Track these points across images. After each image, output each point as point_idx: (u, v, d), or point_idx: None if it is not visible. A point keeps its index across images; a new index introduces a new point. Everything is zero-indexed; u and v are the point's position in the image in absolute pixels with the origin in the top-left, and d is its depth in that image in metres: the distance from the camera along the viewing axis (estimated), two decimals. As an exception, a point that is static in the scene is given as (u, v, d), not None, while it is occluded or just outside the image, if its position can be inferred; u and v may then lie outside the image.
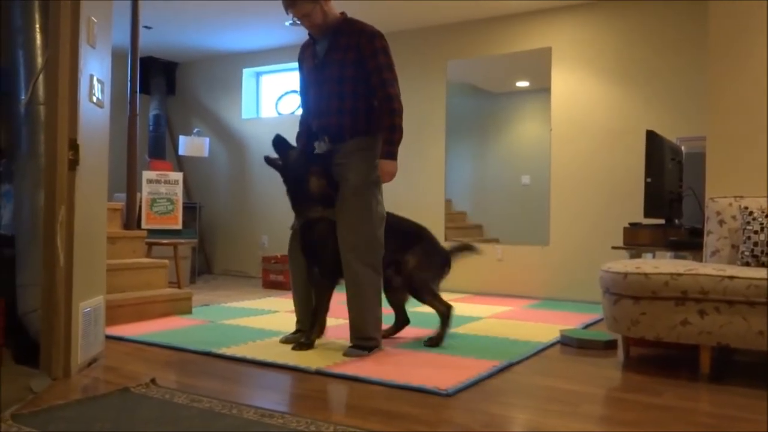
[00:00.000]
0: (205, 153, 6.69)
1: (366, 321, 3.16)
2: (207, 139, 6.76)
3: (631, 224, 3.84)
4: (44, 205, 2.66)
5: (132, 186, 4.71)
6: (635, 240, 3.73)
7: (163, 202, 5.63)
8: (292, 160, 3.27)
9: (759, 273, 2.70)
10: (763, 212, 3.07)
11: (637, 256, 3.75)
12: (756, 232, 3.05)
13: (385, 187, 3.30)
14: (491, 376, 2.78)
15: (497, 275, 5.79)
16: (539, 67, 5.70)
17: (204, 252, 7.41)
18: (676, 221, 3.90)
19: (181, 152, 6.68)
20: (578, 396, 2.52)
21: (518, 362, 3.05)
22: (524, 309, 4.88)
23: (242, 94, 7.37)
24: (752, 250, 3.04)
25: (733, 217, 3.26)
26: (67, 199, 2.61)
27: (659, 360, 3.22)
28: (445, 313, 3.42)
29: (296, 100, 6.92)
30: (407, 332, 3.65)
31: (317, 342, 3.29)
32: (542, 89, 5.70)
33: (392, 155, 3.13)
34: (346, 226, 3.15)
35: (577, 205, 5.49)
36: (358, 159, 3.16)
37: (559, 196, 5.57)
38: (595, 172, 5.42)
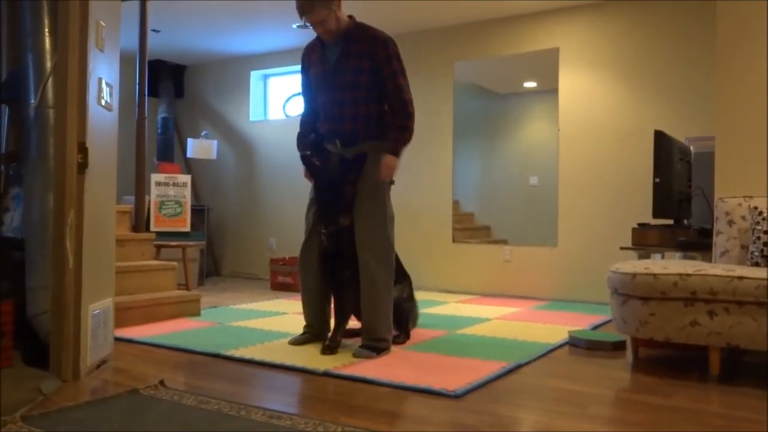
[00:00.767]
0: (213, 155, 6.71)
1: (380, 323, 3.17)
2: (215, 142, 6.78)
3: (639, 225, 3.83)
4: (53, 208, 2.67)
5: (140, 189, 4.74)
6: (644, 240, 3.72)
7: (172, 204, 5.65)
8: (332, 166, 3.18)
9: (769, 273, 2.68)
10: (772, 212, 3.05)
11: (646, 256, 3.74)
12: (766, 232, 3.03)
13: (393, 189, 3.31)
14: (499, 377, 2.77)
15: (505, 276, 5.77)
16: (547, 67, 5.68)
17: (212, 254, 7.43)
18: (685, 221, 3.88)
19: (189, 155, 6.71)
20: (587, 397, 2.51)
21: (526, 363, 3.04)
22: (532, 310, 4.87)
23: (250, 96, 7.39)
24: (762, 251, 3.03)
25: (743, 218, 3.24)
26: (76, 202, 2.63)
27: (668, 361, 3.20)
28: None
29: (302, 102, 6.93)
30: (415, 334, 3.65)
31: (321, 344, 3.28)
32: (550, 90, 5.69)
33: (396, 152, 3.18)
34: (362, 226, 3.17)
35: (585, 205, 5.47)
36: (372, 162, 3.19)
37: (567, 196, 5.56)
38: (603, 173, 5.40)
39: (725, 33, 3.46)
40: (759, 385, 2.73)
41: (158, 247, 5.15)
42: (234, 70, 7.46)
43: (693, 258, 3.66)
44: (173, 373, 2.84)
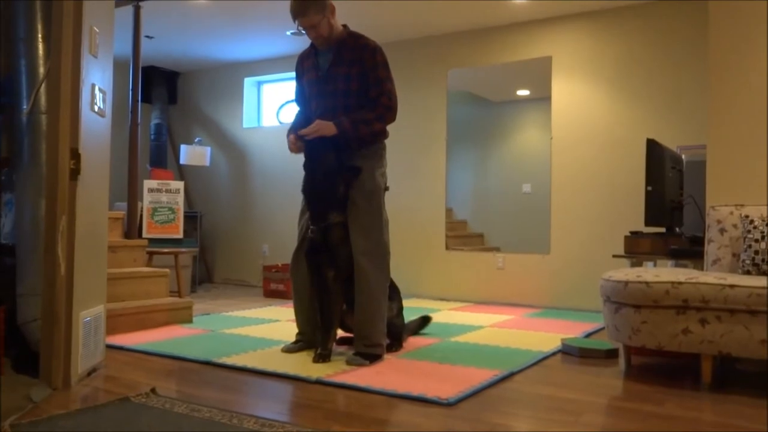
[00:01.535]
0: (207, 162, 6.70)
1: (375, 327, 3.17)
2: (208, 148, 6.77)
3: (631, 233, 3.84)
4: (45, 215, 2.66)
5: (133, 195, 4.72)
6: (636, 248, 3.73)
7: (164, 211, 5.64)
8: (328, 162, 3.14)
9: (760, 281, 2.69)
10: (763, 221, 3.07)
11: (638, 264, 3.75)
12: (757, 241, 3.04)
13: (387, 196, 3.32)
14: (492, 385, 2.77)
15: (498, 284, 5.78)
16: (540, 75, 5.71)
17: (205, 261, 7.41)
18: (677, 230, 3.90)
19: (182, 161, 6.69)
20: (580, 405, 2.51)
21: (519, 371, 3.04)
22: (525, 318, 4.87)
23: (243, 103, 7.39)
24: (753, 259, 3.04)
25: (734, 226, 3.26)
26: (69, 208, 2.61)
27: (661, 369, 3.21)
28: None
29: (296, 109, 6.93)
30: (408, 342, 3.64)
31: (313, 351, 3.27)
32: (543, 98, 5.71)
33: (340, 125, 3.09)
34: (358, 230, 3.17)
35: (577, 213, 5.49)
36: (367, 167, 3.20)
37: (560, 204, 5.57)
38: (595, 181, 5.42)
39: (717, 42, 3.49)
40: (751, 393, 2.74)
41: (150, 254, 5.13)
42: (227, 76, 7.46)
43: (685, 266, 3.67)
44: (165, 380, 2.82)
